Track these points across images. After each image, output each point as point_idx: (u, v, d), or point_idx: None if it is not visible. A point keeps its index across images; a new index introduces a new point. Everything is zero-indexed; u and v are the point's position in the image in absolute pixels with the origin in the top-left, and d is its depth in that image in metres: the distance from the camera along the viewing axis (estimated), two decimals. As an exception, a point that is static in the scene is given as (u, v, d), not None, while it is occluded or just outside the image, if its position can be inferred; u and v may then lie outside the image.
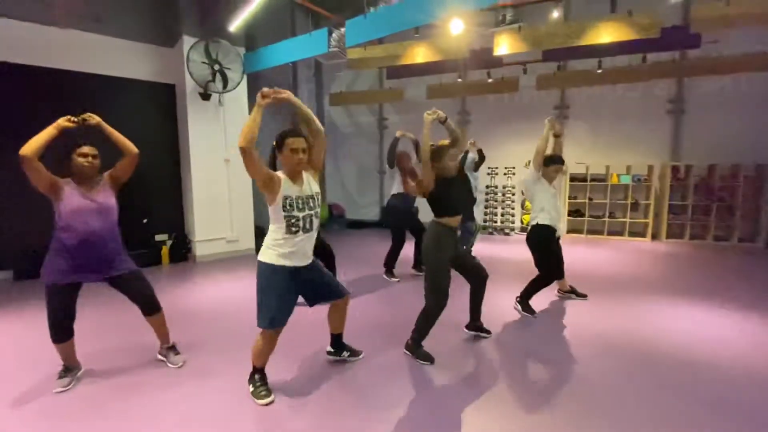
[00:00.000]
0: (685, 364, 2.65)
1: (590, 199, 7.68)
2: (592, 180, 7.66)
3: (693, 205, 7.03)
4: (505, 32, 5.13)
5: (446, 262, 2.71)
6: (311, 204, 2.28)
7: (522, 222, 8.31)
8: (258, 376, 2.33)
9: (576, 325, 3.39)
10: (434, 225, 2.77)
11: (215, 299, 4.24)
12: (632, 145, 7.58)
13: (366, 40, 4.83)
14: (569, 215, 7.85)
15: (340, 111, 9.72)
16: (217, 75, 5.58)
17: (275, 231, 2.24)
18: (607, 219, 7.59)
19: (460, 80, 7.50)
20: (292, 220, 2.20)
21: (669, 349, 2.86)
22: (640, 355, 2.78)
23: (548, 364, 2.68)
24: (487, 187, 8.41)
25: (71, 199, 2.35)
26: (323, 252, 4.00)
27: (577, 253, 6.22)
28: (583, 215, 7.77)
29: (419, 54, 5.57)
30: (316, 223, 2.32)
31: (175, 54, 5.90)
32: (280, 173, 2.23)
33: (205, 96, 5.76)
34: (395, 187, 4.81)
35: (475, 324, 3.15)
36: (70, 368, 2.50)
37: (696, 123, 7.13)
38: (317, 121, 2.28)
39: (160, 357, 2.78)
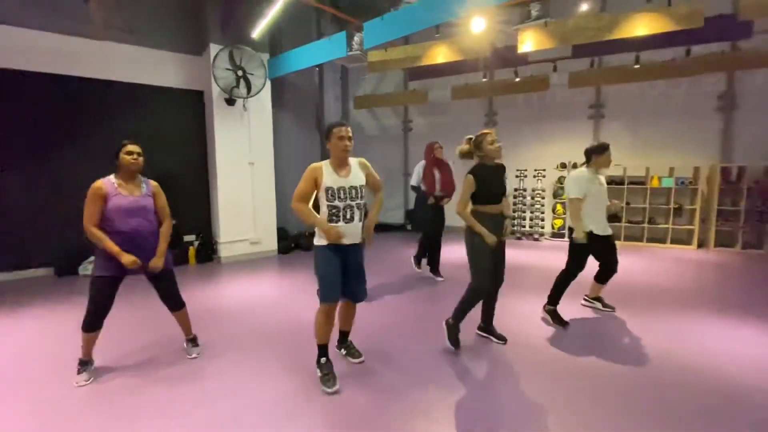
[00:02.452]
0: (726, 390, 2.36)
1: (627, 203, 7.18)
2: (630, 183, 7.16)
3: (746, 211, 6.40)
4: (530, 28, 4.89)
5: (485, 244, 2.71)
6: (353, 194, 2.41)
7: (553, 227, 7.91)
8: (323, 360, 2.49)
9: (603, 339, 3.14)
10: (473, 213, 2.81)
11: (237, 299, 4.35)
12: (676, 145, 7.02)
13: (384, 41, 4.77)
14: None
15: (366, 114, 9.72)
16: (241, 81, 5.72)
17: (322, 216, 2.45)
18: (646, 225, 7.06)
19: (485, 80, 7.27)
20: (333, 210, 2.39)
21: (709, 373, 2.56)
22: (674, 377, 2.51)
23: (569, 381, 2.48)
24: (516, 190, 8.10)
25: (115, 199, 2.51)
26: None
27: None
28: (619, 220, 7.27)
29: (440, 54, 5.43)
30: (358, 214, 2.44)
31: (204, 61, 6.12)
32: (324, 164, 2.43)
33: (231, 101, 5.92)
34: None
35: (487, 328, 3.13)
36: (86, 362, 2.63)
37: (750, 120, 6.48)
38: None
39: (184, 346, 2.98)
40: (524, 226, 7.99)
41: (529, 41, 4.92)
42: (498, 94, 7.76)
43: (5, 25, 4.87)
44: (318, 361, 2.51)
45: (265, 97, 6.34)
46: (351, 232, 2.44)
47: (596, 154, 3.42)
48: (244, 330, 3.44)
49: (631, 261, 5.82)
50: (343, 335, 2.88)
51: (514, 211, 8.08)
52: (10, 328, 3.54)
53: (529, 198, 8.02)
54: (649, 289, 4.47)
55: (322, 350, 2.52)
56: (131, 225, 2.53)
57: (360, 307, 2.83)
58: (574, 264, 3.42)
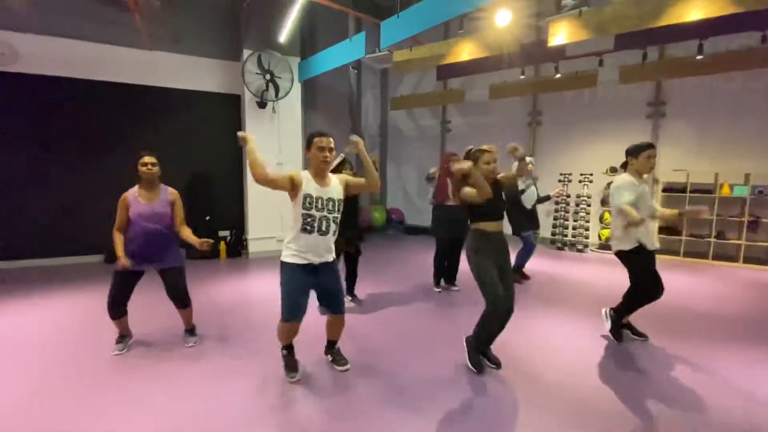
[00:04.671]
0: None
1: (689, 214, 6.27)
2: (694, 191, 6.25)
3: None
4: (563, 19, 4.45)
5: (488, 261, 2.56)
6: (330, 207, 2.37)
7: (600, 237, 7.17)
8: (285, 351, 2.59)
9: (640, 377, 2.64)
10: (471, 232, 2.69)
11: (258, 292, 4.61)
12: (754, 148, 5.99)
13: (401, 39, 4.64)
14: (660, 232, 6.53)
15: (404, 115, 9.62)
16: (270, 84, 5.93)
17: (291, 229, 2.38)
18: (713, 240, 6.11)
19: (522, 77, 6.80)
20: (308, 219, 2.31)
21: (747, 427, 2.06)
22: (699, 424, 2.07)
23: (567, 415, 2.18)
24: (558, 196, 7.46)
25: (135, 206, 2.83)
26: (354, 263, 4.06)
27: (667, 280, 4.99)
28: (679, 233, 6.39)
29: (465, 51, 5.16)
30: (333, 227, 2.41)
31: (240, 67, 6.45)
32: (303, 172, 2.39)
33: (262, 104, 6.17)
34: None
35: (483, 352, 2.77)
36: (124, 336, 3.03)
37: None
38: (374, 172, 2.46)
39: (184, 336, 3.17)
40: (566, 236, 7.34)
41: (561, 33, 4.48)
42: (539, 92, 7.24)
43: (65, 38, 5.54)
44: (282, 353, 2.61)
45: (294, 99, 6.51)
46: (323, 246, 2.39)
47: (633, 156, 2.99)
48: (258, 319, 3.64)
49: (692, 281, 5.06)
50: (330, 344, 2.81)
51: (555, 219, 7.47)
52: (58, 305, 4.04)
53: (573, 205, 7.35)
54: (705, 315, 3.79)
55: (285, 347, 2.60)
56: (148, 229, 2.81)
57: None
58: (635, 283, 3.05)
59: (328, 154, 2.34)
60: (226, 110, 6.70)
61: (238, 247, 6.53)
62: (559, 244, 7.33)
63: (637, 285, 3.04)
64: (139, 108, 6.06)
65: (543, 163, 7.96)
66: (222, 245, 6.41)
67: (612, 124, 7.11)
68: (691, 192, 6.25)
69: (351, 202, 4.04)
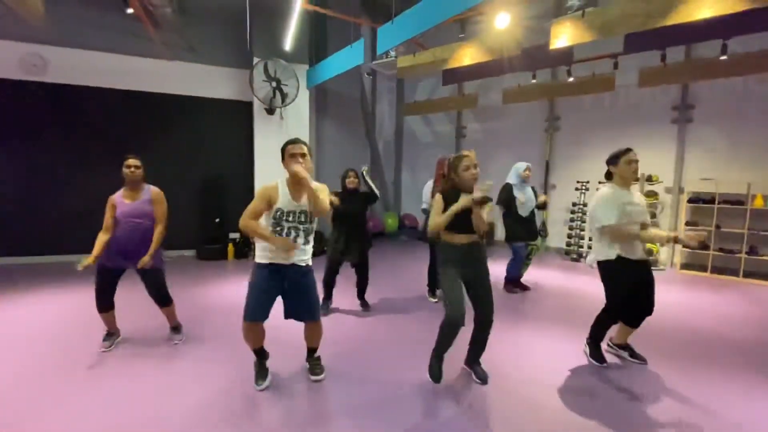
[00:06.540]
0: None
1: (718, 226, 5.78)
2: (723, 201, 5.76)
3: None
4: (566, 20, 4.27)
5: (453, 274, 2.50)
6: (302, 219, 2.37)
7: (619, 249, 6.75)
8: (255, 360, 2.59)
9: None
10: (440, 244, 2.62)
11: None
12: (793, 155, 5.45)
13: (397, 43, 4.59)
14: (686, 246, 6.06)
15: (419, 120, 9.55)
16: (276, 91, 6.07)
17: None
18: (743, 255, 5.59)
19: (534, 81, 6.56)
20: (277, 229, 2.34)
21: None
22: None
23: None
24: (574, 204, 7.12)
25: (120, 206, 2.95)
26: (363, 271, 4.10)
27: (692, 298, 4.69)
28: (706, 248, 5.89)
29: (467, 55, 5.07)
30: (303, 236, 2.39)
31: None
32: (279, 183, 2.38)
33: (270, 111, 6.33)
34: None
35: (470, 365, 2.73)
36: (111, 334, 3.12)
37: None
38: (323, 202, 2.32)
39: (168, 334, 3.25)
40: (582, 247, 6.96)
41: (563, 35, 4.30)
42: (554, 96, 6.96)
43: (91, 50, 5.94)
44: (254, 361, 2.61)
45: (302, 105, 6.63)
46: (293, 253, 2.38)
47: (613, 164, 2.83)
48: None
49: (719, 300, 4.65)
50: (309, 351, 2.75)
51: (570, 229, 7.12)
52: (61, 301, 4.29)
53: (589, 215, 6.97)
54: (738, 342, 3.41)
55: (255, 352, 2.58)
56: (131, 224, 2.91)
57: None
58: (611, 301, 2.82)
59: (300, 160, 2.30)
60: (239, 117, 6.92)
61: (245, 249, 6.69)
62: (574, 255, 6.97)
63: (608, 303, 2.84)
64: (157, 115, 6.38)
65: (560, 170, 7.66)
66: (230, 247, 6.60)
67: (634, 130, 6.71)
68: (720, 203, 5.76)
69: (358, 216, 4.07)
